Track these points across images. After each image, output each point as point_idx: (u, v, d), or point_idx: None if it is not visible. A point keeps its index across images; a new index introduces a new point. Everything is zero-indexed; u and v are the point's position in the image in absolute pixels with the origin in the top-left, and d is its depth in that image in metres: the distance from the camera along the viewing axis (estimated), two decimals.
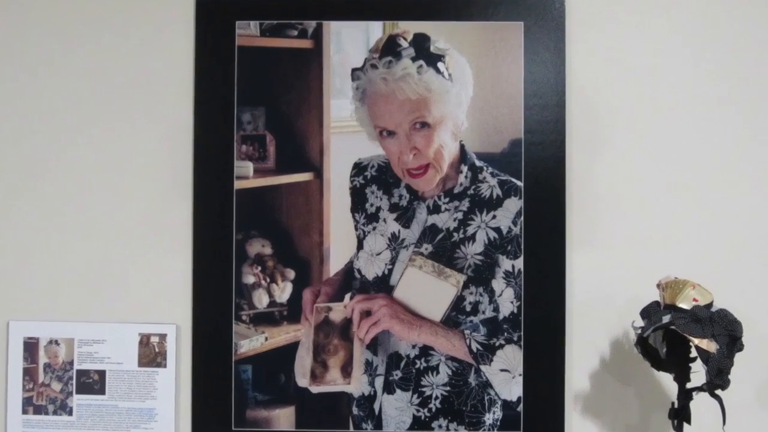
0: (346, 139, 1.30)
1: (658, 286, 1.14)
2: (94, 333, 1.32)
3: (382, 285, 1.30)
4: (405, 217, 1.30)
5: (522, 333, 1.28)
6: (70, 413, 1.32)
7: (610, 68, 1.30)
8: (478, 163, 1.29)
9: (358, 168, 1.31)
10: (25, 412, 1.32)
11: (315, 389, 1.30)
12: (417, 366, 1.29)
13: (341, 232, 1.30)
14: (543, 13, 1.28)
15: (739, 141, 1.30)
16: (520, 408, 1.28)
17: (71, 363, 1.32)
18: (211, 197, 1.30)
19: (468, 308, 1.28)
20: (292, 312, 1.31)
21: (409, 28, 1.28)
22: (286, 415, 1.30)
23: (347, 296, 1.31)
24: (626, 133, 1.30)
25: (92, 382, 1.32)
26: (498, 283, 1.28)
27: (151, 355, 1.31)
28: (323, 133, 1.30)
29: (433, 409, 1.29)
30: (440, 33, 1.28)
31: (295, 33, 1.30)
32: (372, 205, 1.30)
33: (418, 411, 1.29)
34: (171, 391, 1.31)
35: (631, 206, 1.30)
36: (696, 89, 1.30)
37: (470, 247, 1.28)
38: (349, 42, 1.29)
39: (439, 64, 1.27)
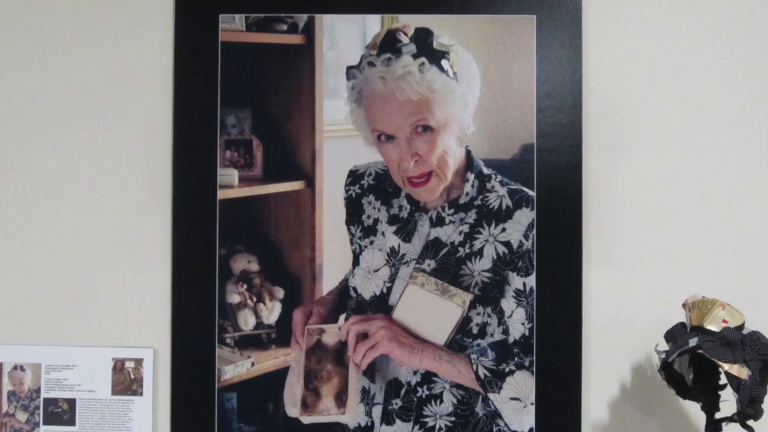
0: (340, 145, 1.29)
1: (684, 306, 1.14)
2: (63, 358, 1.31)
3: (381, 305, 1.30)
4: (405, 230, 1.29)
5: (534, 358, 1.27)
6: None
7: (631, 66, 1.30)
8: (485, 170, 1.28)
9: (354, 176, 1.30)
10: None
11: (306, 419, 1.29)
12: (419, 394, 1.29)
13: (335, 246, 1.30)
14: (557, 5, 1.28)
15: None
16: None
17: (38, 391, 1.32)
18: (192, 208, 1.30)
19: (475, 330, 1.27)
20: (281, 335, 1.31)
21: (410, 22, 1.28)
22: None
23: (342, 317, 1.31)
24: (650, 138, 1.30)
25: (61, 412, 1.31)
26: (508, 303, 1.28)
27: (126, 381, 1.31)
28: (315, 137, 1.29)
29: None
30: (444, 27, 1.27)
31: (285, 27, 1.30)
32: (369, 216, 1.30)
33: None
34: (148, 421, 1.31)
35: (654, 218, 1.30)
36: (727, 89, 1.30)
37: (477, 264, 1.27)
38: (343, 37, 1.29)
39: (443, 62, 1.26)
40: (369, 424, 1.29)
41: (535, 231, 1.27)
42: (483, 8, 1.28)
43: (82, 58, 1.32)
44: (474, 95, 1.27)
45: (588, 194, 1.29)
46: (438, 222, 1.28)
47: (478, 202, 1.28)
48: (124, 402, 1.30)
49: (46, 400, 1.31)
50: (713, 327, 1.08)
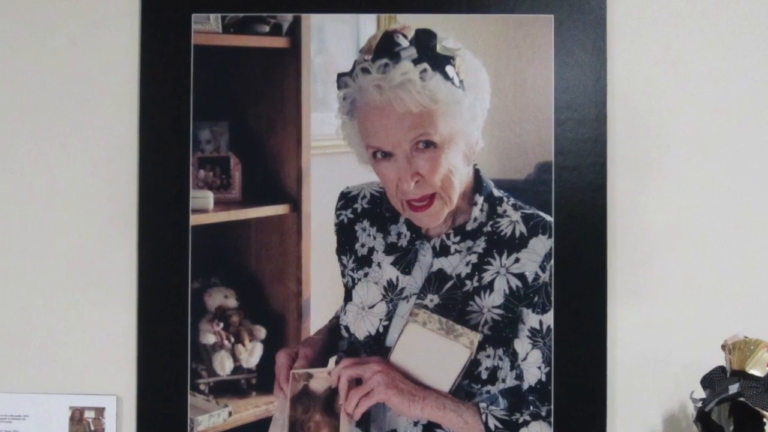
0: (330, 163, 1.30)
1: (724, 347, 1.13)
2: (13, 406, 1.31)
3: (376, 346, 1.29)
4: (405, 260, 1.29)
5: (552, 406, 1.27)
6: None
7: (663, 73, 1.30)
8: (496, 192, 1.28)
9: (346, 199, 1.30)
10: None
11: None
12: None
13: (324, 279, 1.30)
14: (578, 4, 1.27)
15: None
16: None
17: None
18: (161, 236, 1.30)
19: (484, 375, 1.26)
20: (262, 380, 1.30)
21: (410, 22, 1.27)
22: None
23: (332, 360, 1.30)
24: (684, 155, 1.30)
25: None
26: (522, 344, 1.27)
27: None
28: (302, 154, 1.29)
29: None
30: (449, 29, 1.27)
31: (267, 29, 1.30)
32: (363, 245, 1.30)
33: None
34: None
35: (689, 247, 1.29)
36: None
37: (487, 299, 1.26)
38: (334, 40, 1.29)
39: (448, 68, 1.25)
40: None
41: (553, 262, 1.26)
42: (494, 7, 1.27)
43: (36, 63, 1.32)
44: (483, 106, 1.26)
45: (613, 219, 1.28)
46: (442, 251, 1.27)
47: (487, 228, 1.27)
48: None
49: None
50: (757, 371, 1.08)
